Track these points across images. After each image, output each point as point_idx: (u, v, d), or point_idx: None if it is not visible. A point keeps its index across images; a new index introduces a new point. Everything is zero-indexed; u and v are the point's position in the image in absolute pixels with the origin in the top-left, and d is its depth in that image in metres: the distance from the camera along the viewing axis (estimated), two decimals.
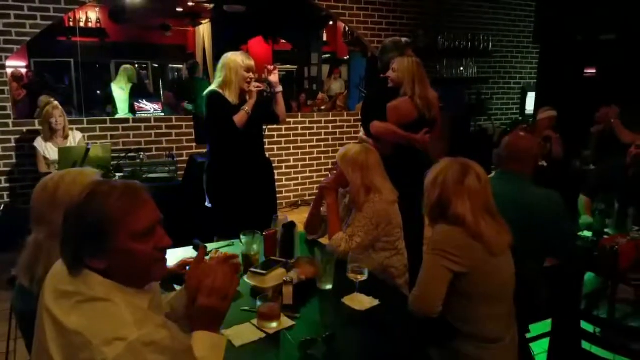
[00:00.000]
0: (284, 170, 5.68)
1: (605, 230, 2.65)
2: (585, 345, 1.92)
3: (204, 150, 3.27)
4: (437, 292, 1.73)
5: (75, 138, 4.23)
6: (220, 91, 3.02)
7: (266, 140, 5.36)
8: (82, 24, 9.09)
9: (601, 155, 4.22)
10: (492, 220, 1.79)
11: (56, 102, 4.19)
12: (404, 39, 3.42)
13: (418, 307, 1.75)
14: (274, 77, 3.14)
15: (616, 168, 3.03)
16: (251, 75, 3.04)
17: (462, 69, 6.08)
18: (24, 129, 4.47)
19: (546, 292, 2.30)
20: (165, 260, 1.21)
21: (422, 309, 1.74)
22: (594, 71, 6.15)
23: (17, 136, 4.45)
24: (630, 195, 2.75)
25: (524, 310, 1.89)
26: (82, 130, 4.62)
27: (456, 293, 1.75)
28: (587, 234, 2.70)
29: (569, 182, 3.21)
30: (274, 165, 5.27)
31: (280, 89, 3.19)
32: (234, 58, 3.02)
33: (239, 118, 2.97)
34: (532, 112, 6.33)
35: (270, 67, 3.14)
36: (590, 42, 5.87)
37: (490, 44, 6.31)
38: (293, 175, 5.69)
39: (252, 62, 3.05)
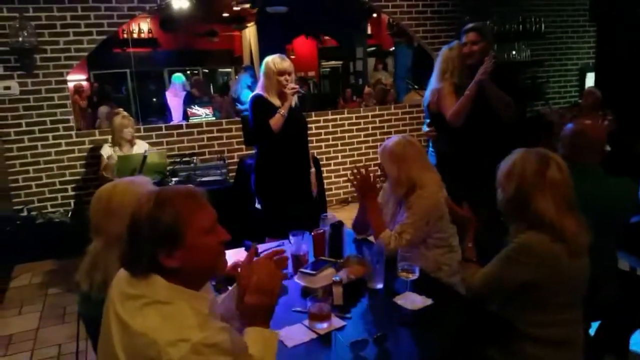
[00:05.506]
0: (332, 168, 5.67)
1: None
2: None
3: (253, 152, 3.32)
4: (497, 294, 1.75)
5: (141, 147, 4.30)
6: (265, 94, 3.05)
7: (313, 138, 5.41)
8: (135, 35, 9.48)
9: None
10: (574, 217, 1.64)
11: (125, 113, 4.33)
12: (473, 24, 3.07)
13: (472, 294, 1.81)
14: None
15: None
16: (286, 77, 3.02)
17: (514, 52, 5.83)
18: (86, 139, 4.73)
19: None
20: (225, 254, 1.29)
21: (473, 296, 1.80)
22: None
23: (80, 146, 4.71)
24: None
25: (589, 310, 1.78)
26: (139, 138, 4.81)
27: (528, 301, 1.67)
28: None
29: (635, 167, 2.98)
30: (322, 162, 5.28)
31: None
32: (268, 64, 3.03)
33: (275, 121, 2.98)
34: None
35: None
36: None
37: (543, 25, 6.00)
38: (342, 172, 5.65)
39: (285, 65, 3.02)
